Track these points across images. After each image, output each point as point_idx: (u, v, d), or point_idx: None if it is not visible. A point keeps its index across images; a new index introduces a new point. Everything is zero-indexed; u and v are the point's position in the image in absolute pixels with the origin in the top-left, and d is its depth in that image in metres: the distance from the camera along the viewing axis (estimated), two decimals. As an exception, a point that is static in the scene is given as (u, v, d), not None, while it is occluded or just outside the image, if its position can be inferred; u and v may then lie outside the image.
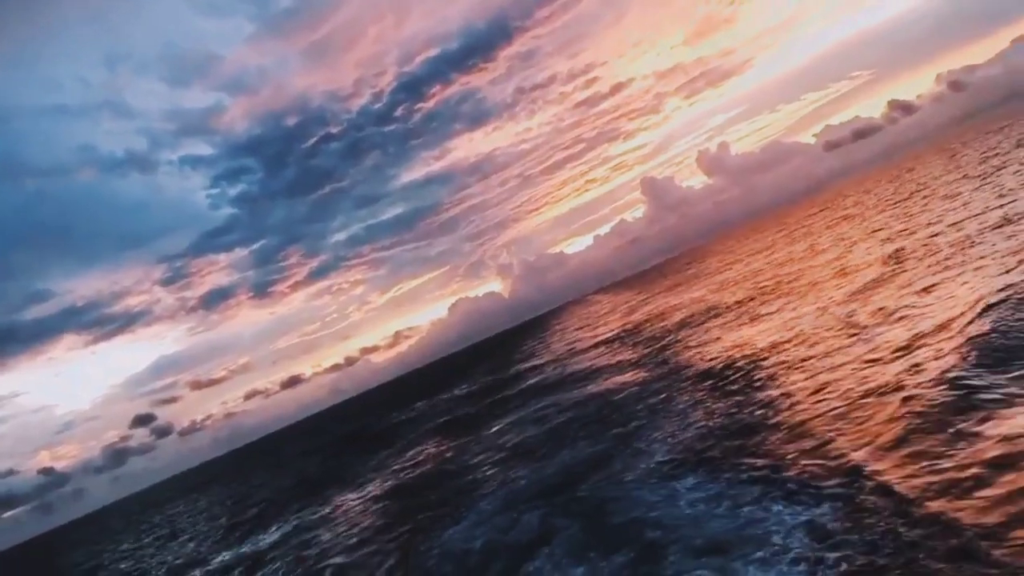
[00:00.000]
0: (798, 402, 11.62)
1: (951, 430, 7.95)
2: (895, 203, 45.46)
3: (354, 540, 16.14)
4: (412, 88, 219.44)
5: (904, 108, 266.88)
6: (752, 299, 27.92)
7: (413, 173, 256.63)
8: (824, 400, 11.11)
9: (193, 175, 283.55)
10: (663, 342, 26.37)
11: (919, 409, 8.87)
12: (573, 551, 9.54)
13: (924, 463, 7.59)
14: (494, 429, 23.54)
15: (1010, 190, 23.85)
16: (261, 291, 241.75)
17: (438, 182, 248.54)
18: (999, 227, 18.52)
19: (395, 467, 25.29)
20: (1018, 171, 27.82)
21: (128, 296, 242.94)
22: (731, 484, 9.38)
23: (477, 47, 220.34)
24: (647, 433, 14.01)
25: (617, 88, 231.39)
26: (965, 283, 14.17)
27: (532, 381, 34.30)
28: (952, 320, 11.99)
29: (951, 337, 11.05)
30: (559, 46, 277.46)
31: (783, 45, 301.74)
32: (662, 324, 33.50)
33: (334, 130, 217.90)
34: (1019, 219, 18.36)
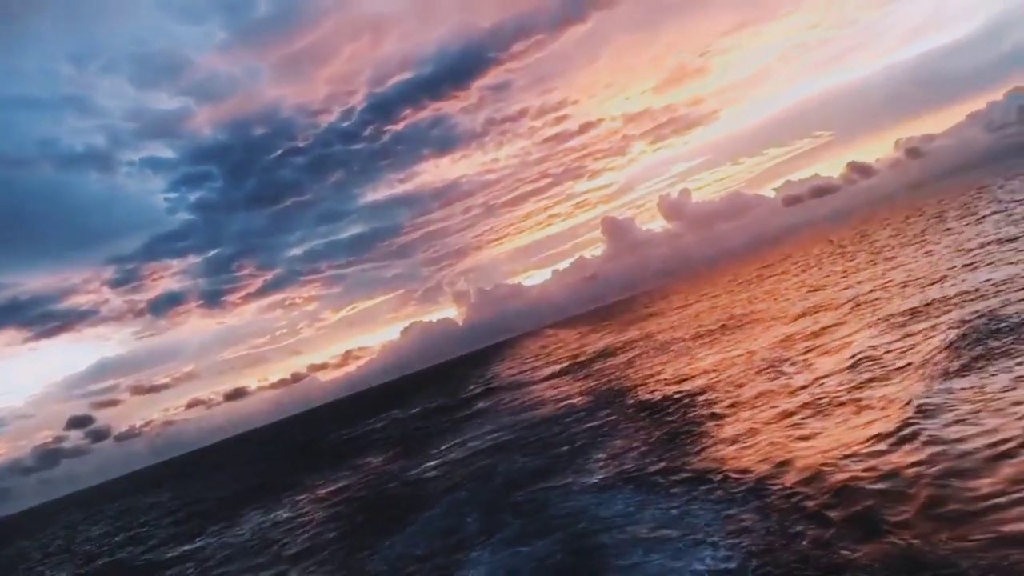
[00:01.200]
0: (720, 426, 12.83)
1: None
2: (840, 262, 47.77)
3: (293, 551, 16.86)
4: (383, 109, 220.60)
5: (862, 170, 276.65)
6: (695, 339, 29.37)
7: (376, 193, 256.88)
8: (741, 424, 12.33)
9: (153, 177, 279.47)
10: (609, 375, 27.61)
11: (814, 430, 10.13)
12: (511, 541, 10.57)
13: (817, 476, 8.80)
14: (442, 447, 24.43)
15: (935, 261, 25.76)
16: (212, 300, 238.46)
17: (401, 204, 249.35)
18: (904, 288, 20.26)
19: (340, 480, 25.95)
20: (949, 245, 29.89)
21: (75, 294, 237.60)
22: (660, 493, 10.52)
23: (451, 75, 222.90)
24: (588, 452, 15.10)
25: (586, 127, 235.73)
26: (860, 337, 15.68)
27: (482, 405, 35.27)
28: (842, 368, 13.44)
29: (839, 381, 12.46)
30: (532, 81, 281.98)
31: (750, 100, 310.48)
32: (610, 359, 34.83)
33: (300, 144, 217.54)
34: (921, 283, 20.10)
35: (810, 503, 8.31)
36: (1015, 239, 22.79)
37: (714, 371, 19.72)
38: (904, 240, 42.64)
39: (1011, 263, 18.63)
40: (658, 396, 18.69)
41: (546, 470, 14.92)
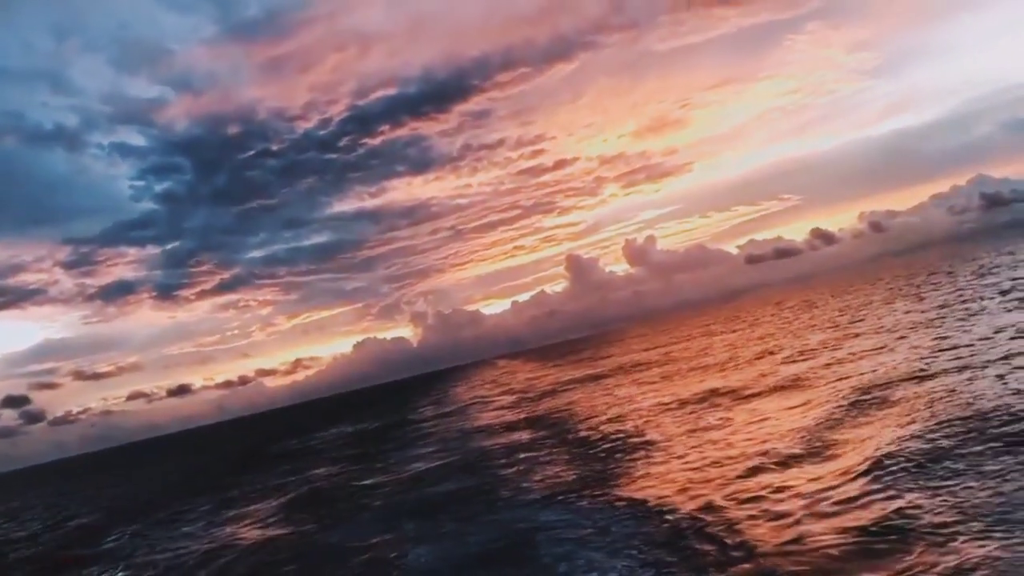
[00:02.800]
0: (645, 460, 14.18)
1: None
2: (789, 323, 49.98)
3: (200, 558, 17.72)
4: (361, 122, 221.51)
5: (825, 237, 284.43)
6: (637, 383, 30.87)
7: (345, 205, 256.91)
8: (661, 460, 13.68)
9: (121, 163, 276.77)
10: (554, 409, 28.98)
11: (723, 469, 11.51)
12: (449, 537, 11.80)
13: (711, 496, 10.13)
14: (388, 462, 25.44)
15: (875, 339, 27.66)
16: (165, 293, 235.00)
17: (368, 219, 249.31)
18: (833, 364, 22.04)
19: (281, 486, 26.72)
20: (891, 325, 31.92)
21: (25, 271, 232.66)
22: (588, 511, 11.84)
23: (434, 96, 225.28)
24: (526, 475, 16.32)
25: (561, 164, 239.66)
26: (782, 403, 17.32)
27: (430, 427, 36.31)
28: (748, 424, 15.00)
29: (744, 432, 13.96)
30: (513, 112, 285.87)
31: (724, 155, 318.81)
32: (557, 394, 36.21)
33: (274, 147, 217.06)
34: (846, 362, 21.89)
35: (709, 528, 9.64)
36: (935, 328, 24.77)
37: (648, 413, 21.17)
38: (845, 312, 44.94)
39: (913, 349, 20.48)
40: (596, 432, 20.02)
41: (486, 487, 16.13)
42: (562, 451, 18.69)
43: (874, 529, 8.30)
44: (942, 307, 30.86)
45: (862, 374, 18.68)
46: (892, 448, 10.96)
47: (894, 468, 10.11)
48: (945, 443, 10.64)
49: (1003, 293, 29.91)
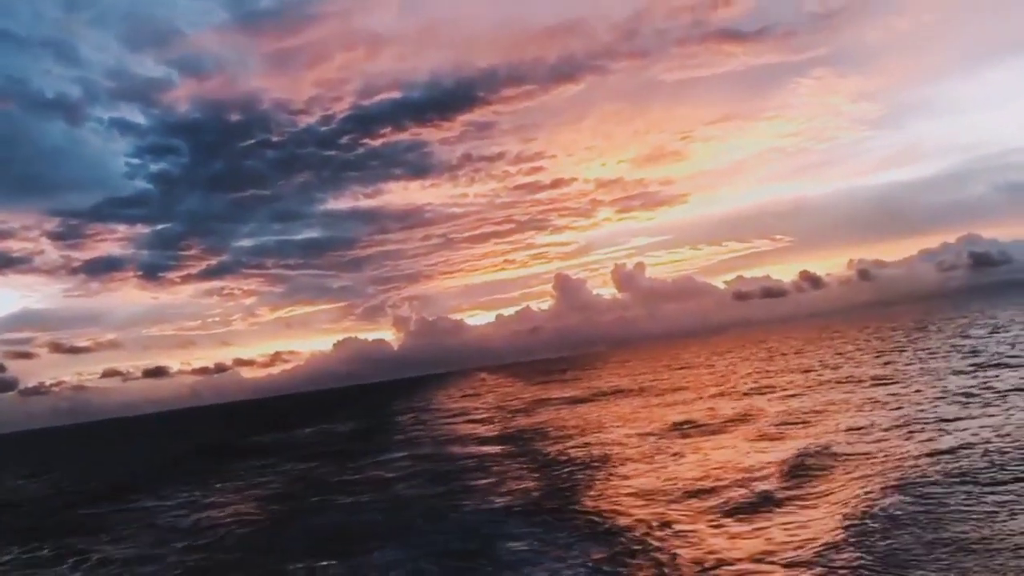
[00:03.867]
0: (605, 480, 14.97)
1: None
2: (764, 363, 51.04)
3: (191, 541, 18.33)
4: (364, 122, 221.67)
5: (813, 281, 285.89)
6: (610, 409, 31.74)
7: (339, 203, 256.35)
8: (620, 481, 14.49)
9: (119, 139, 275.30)
10: (527, 426, 29.83)
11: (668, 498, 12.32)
12: (418, 532, 12.59)
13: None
14: (361, 463, 26.13)
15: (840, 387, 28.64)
16: (151, 274, 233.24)
17: (361, 219, 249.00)
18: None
19: (253, 479, 27.30)
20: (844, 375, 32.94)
21: (11, 238, 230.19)
22: (549, 523, 12.64)
23: (438, 104, 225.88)
24: (494, 487, 17.09)
25: (558, 183, 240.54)
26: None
27: (403, 435, 37.01)
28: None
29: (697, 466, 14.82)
30: (516, 127, 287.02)
31: (720, 190, 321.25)
32: (532, 412, 37.04)
33: (274, 138, 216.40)
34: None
35: (654, 543, 10.45)
36: (894, 384, 25.77)
37: (615, 439, 22.02)
38: (820, 358, 46.03)
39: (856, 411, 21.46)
40: (564, 453, 20.83)
41: (454, 494, 16.98)
42: (530, 467, 19.45)
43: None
44: (908, 364, 31.91)
45: (810, 423, 19.68)
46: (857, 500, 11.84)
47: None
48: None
49: (972, 355, 30.95)
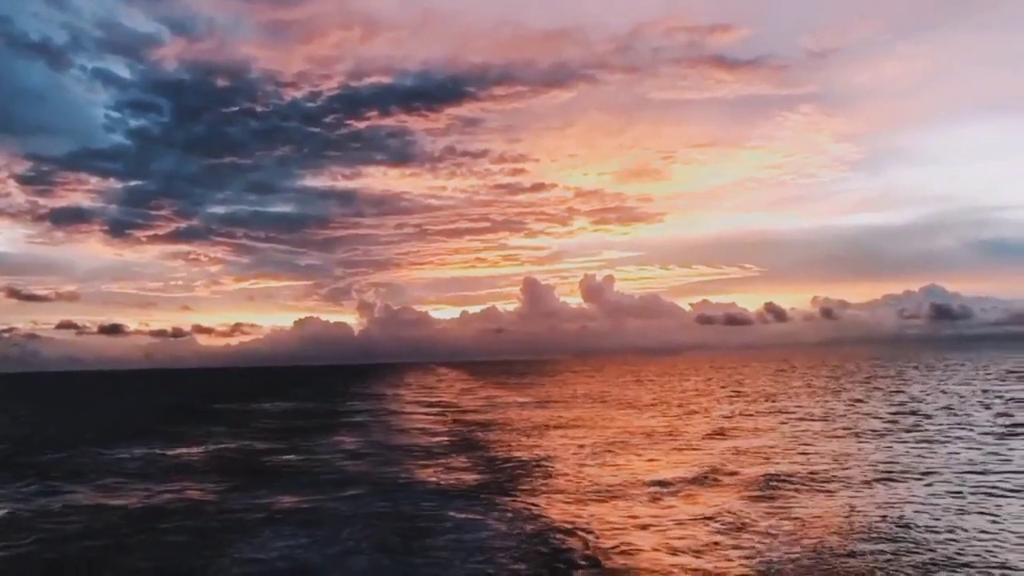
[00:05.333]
0: (543, 480, 16.15)
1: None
2: (713, 389, 52.73)
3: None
4: (351, 103, 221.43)
5: (777, 314, 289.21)
6: (560, 416, 33.03)
7: (317, 181, 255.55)
8: (555, 481, 15.69)
9: (101, 91, 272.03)
10: (478, 424, 31.01)
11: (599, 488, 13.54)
12: (361, 500, 13.67)
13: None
14: (313, 442, 27.06)
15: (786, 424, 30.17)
16: (118, 230, 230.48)
17: (337, 199, 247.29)
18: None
19: (202, 444, 28.08)
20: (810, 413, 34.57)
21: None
22: (480, 506, 13.76)
23: (427, 94, 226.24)
24: (436, 474, 18.20)
25: (538, 187, 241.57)
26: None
27: (357, 418, 37.93)
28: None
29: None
30: (502, 127, 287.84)
31: (696, 213, 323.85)
32: (485, 411, 38.21)
33: (259, 108, 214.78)
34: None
35: (578, 538, 11.62)
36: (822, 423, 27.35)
37: (558, 445, 23.24)
38: (763, 388, 47.79)
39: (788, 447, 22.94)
40: (510, 451, 22.02)
41: (402, 473, 18.29)
42: (475, 461, 20.57)
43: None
44: (844, 407, 33.59)
45: (733, 448, 21.11)
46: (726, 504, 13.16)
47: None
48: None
49: (910, 412, 32.70)
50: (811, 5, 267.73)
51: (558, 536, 11.96)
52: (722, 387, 53.88)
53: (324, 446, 25.30)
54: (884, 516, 12.51)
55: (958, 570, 9.64)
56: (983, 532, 11.36)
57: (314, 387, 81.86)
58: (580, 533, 12.07)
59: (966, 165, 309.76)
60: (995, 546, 10.60)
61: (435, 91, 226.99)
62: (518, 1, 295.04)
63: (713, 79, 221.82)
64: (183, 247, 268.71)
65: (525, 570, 10.26)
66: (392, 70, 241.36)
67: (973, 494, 14.13)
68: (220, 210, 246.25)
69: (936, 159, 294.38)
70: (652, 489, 15.59)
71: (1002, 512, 12.62)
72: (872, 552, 10.45)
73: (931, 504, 13.37)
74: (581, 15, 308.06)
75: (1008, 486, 14.76)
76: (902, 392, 41.22)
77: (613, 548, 11.19)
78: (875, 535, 11.34)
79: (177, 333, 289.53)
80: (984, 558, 10.07)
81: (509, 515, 13.50)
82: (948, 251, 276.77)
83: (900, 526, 11.83)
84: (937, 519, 12.24)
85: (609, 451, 21.60)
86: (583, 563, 10.52)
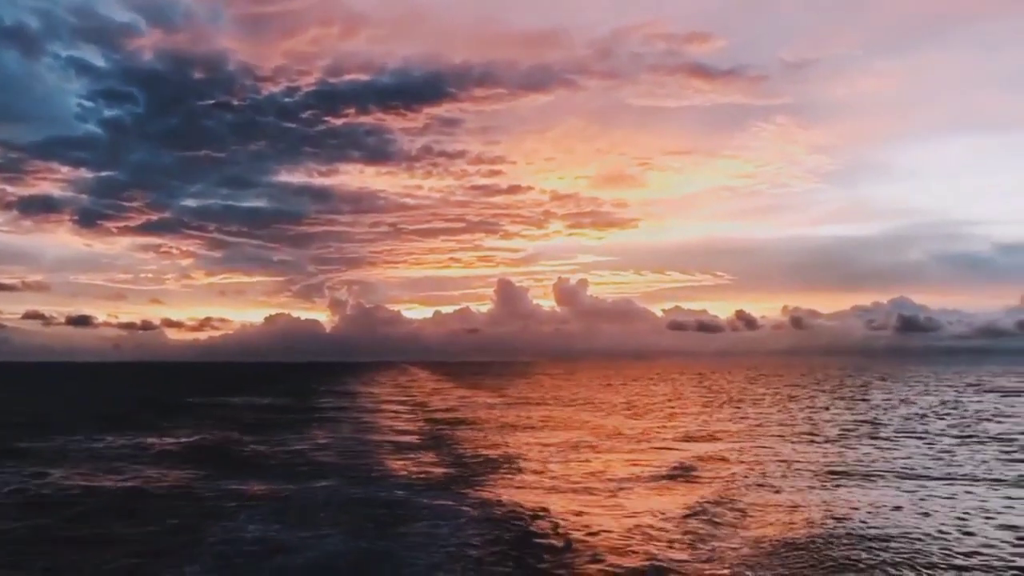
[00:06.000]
0: (508, 475, 16.86)
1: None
2: (681, 395, 53.79)
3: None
4: (329, 99, 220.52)
5: (748, 322, 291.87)
6: (528, 416, 33.78)
7: (292, 177, 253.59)
8: (517, 471, 16.40)
9: (75, 80, 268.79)
10: (447, 422, 31.66)
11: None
12: (334, 489, 14.29)
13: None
14: (285, 436, 27.52)
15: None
16: (88, 220, 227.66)
17: (312, 196, 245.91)
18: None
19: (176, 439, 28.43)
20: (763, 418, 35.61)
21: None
22: (448, 499, 14.41)
23: (406, 93, 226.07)
24: (405, 468, 18.83)
25: (514, 189, 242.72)
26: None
27: (325, 414, 38.38)
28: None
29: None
30: (481, 128, 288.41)
31: (670, 220, 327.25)
32: (455, 411, 38.82)
33: (235, 102, 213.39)
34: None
35: (539, 543, 12.31)
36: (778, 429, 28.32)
37: (524, 444, 23.97)
38: (731, 394, 48.88)
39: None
40: (477, 449, 22.69)
41: (372, 466, 18.96)
42: (443, 457, 21.22)
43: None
44: (805, 413, 34.65)
45: (694, 449, 22.00)
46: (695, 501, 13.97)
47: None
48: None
49: (871, 425, 33.79)
50: (789, 17, 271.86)
51: (527, 521, 12.70)
52: (689, 392, 54.95)
53: (297, 439, 25.79)
54: (826, 511, 13.38)
55: (882, 552, 10.49)
56: (915, 527, 12.25)
57: (285, 384, 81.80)
58: (548, 519, 12.83)
59: (936, 180, 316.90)
60: (923, 538, 11.49)
61: (414, 90, 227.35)
62: (500, 2, 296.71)
63: (691, 87, 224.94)
64: (154, 239, 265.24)
65: (498, 550, 10.95)
66: (371, 67, 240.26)
67: (910, 492, 15.15)
68: (193, 203, 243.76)
69: (907, 174, 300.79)
70: (614, 484, 16.45)
71: (934, 508, 13.56)
72: (810, 543, 11.27)
73: (869, 501, 14.31)
74: (562, 18, 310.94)
75: (943, 487, 15.73)
76: (864, 401, 42.48)
77: (578, 532, 11.95)
78: (815, 528, 12.17)
79: (146, 326, 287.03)
80: (914, 547, 10.93)
81: (479, 503, 14.21)
82: (917, 264, 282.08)
83: (837, 519, 12.74)
84: (871, 515, 13.15)
85: (575, 449, 22.41)
86: (553, 543, 11.27)
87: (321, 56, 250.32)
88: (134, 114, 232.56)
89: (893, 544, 11.16)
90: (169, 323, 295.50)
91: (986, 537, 11.58)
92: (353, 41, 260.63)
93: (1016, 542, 11.31)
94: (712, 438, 25.08)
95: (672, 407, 39.66)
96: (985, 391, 51.71)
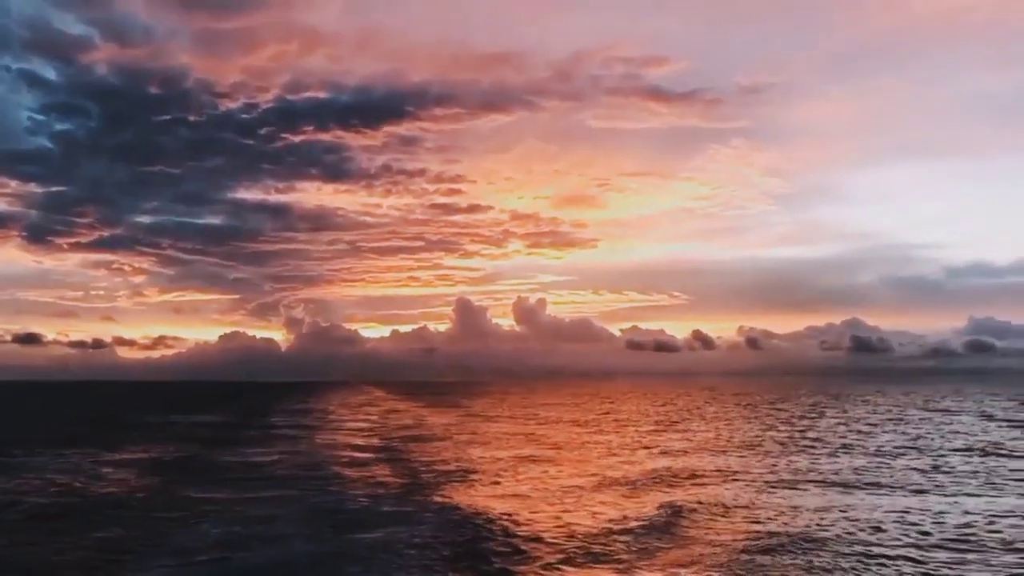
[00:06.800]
0: (461, 482, 17.65)
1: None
2: (634, 412, 54.96)
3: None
4: (287, 116, 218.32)
5: (704, 341, 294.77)
6: (482, 436, 34.60)
7: (249, 194, 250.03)
8: (469, 483, 17.21)
9: (25, 93, 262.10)
10: (404, 439, 32.33)
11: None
12: (289, 500, 14.90)
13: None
14: (244, 450, 27.92)
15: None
16: (37, 236, 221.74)
17: (269, 213, 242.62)
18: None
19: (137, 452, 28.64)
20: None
21: None
22: (406, 508, 15.18)
23: (365, 111, 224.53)
24: (360, 477, 19.50)
25: (474, 208, 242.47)
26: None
27: (282, 432, 38.70)
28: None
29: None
30: (441, 147, 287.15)
31: (628, 240, 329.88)
32: (411, 428, 39.46)
33: (192, 118, 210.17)
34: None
35: (489, 546, 13.14)
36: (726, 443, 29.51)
37: (478, 459, 24.80)
38: (680, 413, 50.15)
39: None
40: (434, 464, 23.46)
41: (330, 479, 19.54)
42: (400, 469, 21.95)
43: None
44: (751, 428, 35.92)
45: (639, 461, 23.07)
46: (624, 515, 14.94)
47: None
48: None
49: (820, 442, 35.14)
50: (744, 42, 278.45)
51: (479, 525, 13.55)
52: (641, 410, 56.18)
53: (255, 454, 26.23)
54: (753, 514, 14.49)
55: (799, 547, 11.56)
56: (832, 526, 13.37)
57: (240, 402, 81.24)
58: (499, 523, 13.71)
59: (887, 204, 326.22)
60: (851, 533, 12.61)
61: (373, 108, 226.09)
62: (460, 22, 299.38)
63: (648, 110, 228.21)
64: (106, 256, 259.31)
65: (452, 552, 11.76)
66: (331, 85, 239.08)
67: (839, 494, 16.40)
68: (147, 219, 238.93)
69: (859, 197, 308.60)
70: (560, 492, 17.39)
71: (853, 505, 14.73)
72: (734, 541, 12.31)
73: (792, 505, 15.49)
74: (522, 40, 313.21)
75: (866, 494, 16.98)
76: (809, 418, 44.04)
77: (525, 534, 12.85)
78: (741, 530, 13.23)
79: (97, 344, 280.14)
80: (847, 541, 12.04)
81: (435, 510, 15.05)
82: (868, 286, 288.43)
83: (760, 521, 13.88)
84: (792, 517, 14.31)
85: (525, 462, 23.30)
86: (502, 546, 12.13)
87: (280, 73, 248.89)
88: (87, 128, 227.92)
89: (806, 544, 12.26)
90: (121, 341, 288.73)
91: (892, 535, 12.80)
92: (313, 58, 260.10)
93: (919, 539, 12.54)
94: (658, 452, 26.08)
95: (623, 423, 40.74)
96: (926, 410, 53.76)
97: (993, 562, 11.16)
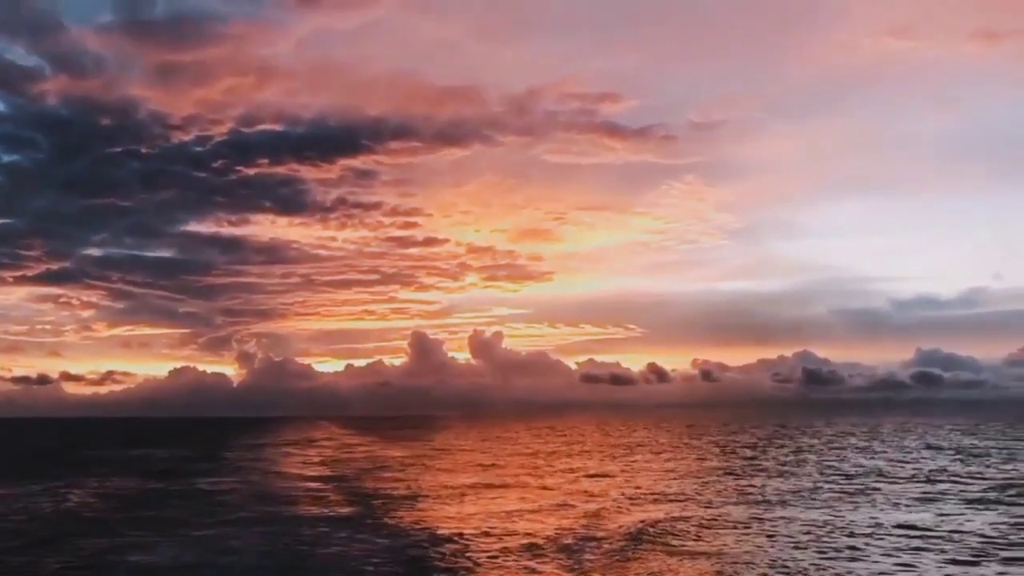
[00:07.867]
0: (411, 509, 18.51)
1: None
2: (584, 444, 55.94)
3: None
4: (241, 149, 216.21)
5: (659, 374, 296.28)
6: (433, 467, 35.33)
7: (201, 227, 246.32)
8: (418, 510, 18.09)
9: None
10: (357, 472, 33.05)
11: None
12: (245, 522, 15.61)
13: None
14: (187, 482, 28.32)
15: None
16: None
17: (221, 246, 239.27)
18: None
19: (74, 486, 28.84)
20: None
21: None
22: (362, 530, 16.02)
23: (320, 144, 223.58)
24: (313, 503, 20.24)
25: (431, 242, 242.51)
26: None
27: (229, 465, 38.96)
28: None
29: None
30: (396, 180, 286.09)
31: (583, 274, 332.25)
32: (364, 461, 40.01)
33: (144, 150, 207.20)
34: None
35: (437, 564, 14.06)
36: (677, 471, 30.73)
37: (430, 487, 25.65)
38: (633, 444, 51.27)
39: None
40: (386, 492, 24.31)
41: (282, 504, 20.21)
42: (352, 498, 22.73)
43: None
44: (697, 458, 37.17)
45: (581, 489, 24.17)
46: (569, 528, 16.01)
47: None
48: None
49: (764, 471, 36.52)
50: (697, 80, 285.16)
51: (428, 544, 14.56)
52: (592, 441, 57.32)
53: (208, 484, 26.73)
54: (681, 528, 15.69)
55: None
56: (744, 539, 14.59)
57: (191, 438, 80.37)
58: (443, 544, 14.72)
59: (835, 239, 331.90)
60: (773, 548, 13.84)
61: (329, 141, 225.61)
62: (416, 56, 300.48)
63: (603, 146, 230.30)
64: (54, 290, 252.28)
65: (402, 570, 12.71)
66: (285, 118, 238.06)
67: (762, 510, 17.63)
68: (96, 252, 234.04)
69: (808, 232, 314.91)
70: (501, 515, 18.39)
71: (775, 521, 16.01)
72: (666, 548, 13.46)
73: (711, 516, 16.70)
74: (477, 75, 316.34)
75: (780, 508, 18.30)
76: (757, 447, 45.56)
77: (467, 554, 13.87)
78: (661, 541, 14.40)
79: (43, 380, 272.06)
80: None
81: (386, 531, 15.98)
82: (819, 319, 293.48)
83: (673, 533, 15.05)
84: (707, 530, 15.51)
85: (473, 489, 24.28)
86: (445, 565, 13.12)
87: (234, 106, 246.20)
88: (35, 160, 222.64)
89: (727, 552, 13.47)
90: (68, 376, 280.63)
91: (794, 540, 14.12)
92: (267, 92, 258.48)
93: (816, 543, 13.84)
94: (601, 478, 27.23)
95: (571, 454, 41.82)
96: (865, 439, 55.78)
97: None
